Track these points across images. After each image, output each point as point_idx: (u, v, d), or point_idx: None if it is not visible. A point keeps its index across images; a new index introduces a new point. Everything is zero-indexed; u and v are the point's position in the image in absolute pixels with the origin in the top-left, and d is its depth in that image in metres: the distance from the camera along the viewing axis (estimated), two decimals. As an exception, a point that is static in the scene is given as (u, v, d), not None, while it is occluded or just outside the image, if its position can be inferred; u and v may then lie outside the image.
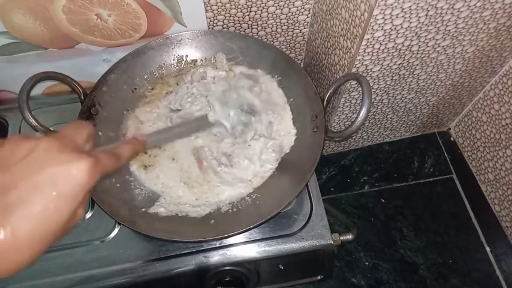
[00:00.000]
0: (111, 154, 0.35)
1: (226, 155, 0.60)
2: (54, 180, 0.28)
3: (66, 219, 0.29)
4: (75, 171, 0.29)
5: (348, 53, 0.64)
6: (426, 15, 0.56)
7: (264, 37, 0.76)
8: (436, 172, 0.99)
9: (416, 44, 0.63)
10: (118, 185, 0.58)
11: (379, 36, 0.58)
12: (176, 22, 0.68)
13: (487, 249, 0.90)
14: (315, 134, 0.58)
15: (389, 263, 0.89)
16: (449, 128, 1.04)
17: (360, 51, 0.61)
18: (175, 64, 0.69)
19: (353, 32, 0.60)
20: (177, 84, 0.67)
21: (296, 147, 0.61)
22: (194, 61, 0.70)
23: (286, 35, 0.77)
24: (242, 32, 0.73)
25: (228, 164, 0.59)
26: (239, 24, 0.71)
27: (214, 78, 0.66)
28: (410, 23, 0.57)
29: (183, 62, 0.69)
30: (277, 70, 0.66)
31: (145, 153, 0.61)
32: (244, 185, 0.58)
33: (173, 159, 0.61)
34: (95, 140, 0.35)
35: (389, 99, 0.81)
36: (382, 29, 0.57)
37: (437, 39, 0.63)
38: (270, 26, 0.73)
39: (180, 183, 0.59)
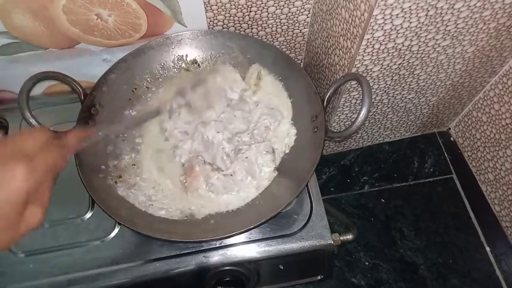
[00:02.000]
0: (54, 148, 0.36)
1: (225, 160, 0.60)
2: None
3: (12, 220, 0.31)
4: (10, 175, 0.30)
5: (348, 53, 0.64)
6: (426, 15, 0.56)
7: (264, 37, 0.76)
8: (436, 172, 0.99)
9: (416, 44, 0.63)
10: (119, 184, 0.58)
11: (379, 36, 0.58)
12: (176, 22, 0.68)
13: (487, 249, 0.90)
14: (315, 134, 0.58)
15: (389, 263, 0.89)
16: (449, 128, 1.04)
17: (360, 51, 0.61)
18: (175, 64, 0.69)
19: (353, 32, 0.60)
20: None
21: (296, 147, 0.61)
22: (194, 61, 0.69)
23: (286, 35, 0.77)
24: (242, 32, 0.73)
25: (225, 169, 0.59)
26: (239, 24, 0.71)
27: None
28: (410, 23, 0.57)
29: (183, 62, 0.69)
30: (277, 70, 0.66)
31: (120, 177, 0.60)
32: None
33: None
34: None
35: (389, 99, 0.81)
36: (382, 29, 0.57)
37: (437, 39, 0.63)
38: (270, 26, 0.73)
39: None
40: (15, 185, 0.30)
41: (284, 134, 0.63)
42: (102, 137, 0.50)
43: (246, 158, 0.59)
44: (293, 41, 0.80)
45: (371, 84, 0.72)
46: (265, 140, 0.62)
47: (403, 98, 0.82)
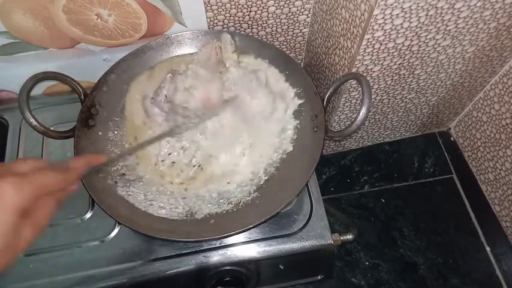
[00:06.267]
0: (53, 169, 0.36)
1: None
2: None
3: (7, 239, 0.31)
4: (1, 193, 0.31)
5: (348, 53, 0.64)
6: (426, 15, 0.56)
7: (264, 37, 0.76)
8: (436, 172, 0.99)
9: (417, 43, 0.63)
10: (119, 184, 0.58)
11: (379, 36, 0.58)
12: (176, 22, 0.68)
13: (487, 249, 0.90)
14: (315, 133, 0.58)
15: (389, 263, 0.89)
16: (450, 128, 1.04)
17: (360, 51, 0.61)
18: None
19: (353, 32, 0.60)
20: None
21: (296, 147, 0.61)
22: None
23: (286, 34, 0.77)
24: (242, 32, 0.73)
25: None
26: (239, 24, 0.71)
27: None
28: (411, 22, 0.57)
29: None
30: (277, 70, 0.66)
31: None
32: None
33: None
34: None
35: (389, 99, 0.81)
36: (382, 29, 0.57)
37: (437, 39, 0.63)
38: (270, 25, 0.73)
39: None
40: (4, 202, 0.31)
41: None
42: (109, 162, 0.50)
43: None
44: (293, 40, 0.80)
45: (371, 84, 0.72)
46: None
47: (403, 98, 0.82)
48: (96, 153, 0.46)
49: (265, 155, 0.60)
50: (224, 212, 0.57)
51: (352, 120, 0.61)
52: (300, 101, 0.63)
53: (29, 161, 0.36)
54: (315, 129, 0.59)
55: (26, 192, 0.32)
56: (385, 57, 0.64)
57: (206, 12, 0.66)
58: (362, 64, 0.65)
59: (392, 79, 0.73)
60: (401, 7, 0.53)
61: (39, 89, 0.76)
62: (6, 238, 0.31)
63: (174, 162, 0.60)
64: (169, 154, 0.60)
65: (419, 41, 0.63)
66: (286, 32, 0.76)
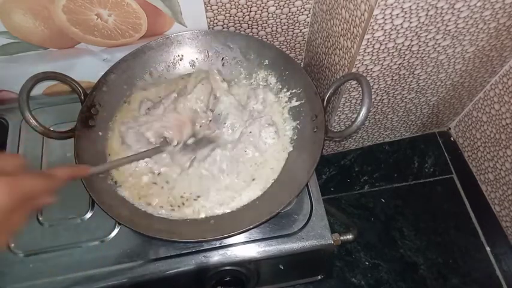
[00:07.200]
0: (40, 174, 0.36)
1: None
2: None
3: None
4: None
5: (348, 53, 0.64)
6: (426, 15, 0.56)
7: (264, 37, 0.76)
8: (436, 172, 0.99)
9: (417, 43, 0.63)
10: (119, 184, 0.58)
11: (379, 36, 0.58)
12: (176, 22, 0.68)
13: (487, 249, 0.90)
14: (315, 134, 0.58)
15: (389, 263, 0.89)
16: (450, 128, 1.04)
17: (360, 51, 0.61)
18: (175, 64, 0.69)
19: (353, 32, 0.60)
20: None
21: (296, 148, 0.61)
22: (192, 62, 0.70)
23: (286, 34, 0.77)
24: (242, 32, 0.73)
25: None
26: (239, 24, 0.71)
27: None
28: (411, 22, 0.57)
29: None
30: (277, 70, 0.66)
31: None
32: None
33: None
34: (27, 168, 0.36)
35: (389, 99, 0.81)
36: (382, 29, 0.57)
37: (437, 39, 0.63)
38: (270, 26, 0.73)
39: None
40: None
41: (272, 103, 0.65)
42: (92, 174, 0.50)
43: (250, 132, 0.61)
44: (293, 40, 0.80)
45: (371, 84, 0.72)
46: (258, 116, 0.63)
47: (403, 98, 0.82)
48: (80, 165, 0.49)
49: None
50: (224, 212, 0.57)
51: (352, 120, 0.61)
52: (300, 102, 0.63)
53: (16, 157, 0.35)
54: (315, 130, 0.59)
55: (16, 193, 0.31)
56: (385, 57, 0.64)
57: (206, 12, 0.66)
58: (362, 64, 0.65)
59: (392, 79, 0.73)
60: (401, 7, 0.53)
61: (39, 89, 0.76)
62: None
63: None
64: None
65: (419, 41, 0.63)
66: (286, 32, 0.76)
